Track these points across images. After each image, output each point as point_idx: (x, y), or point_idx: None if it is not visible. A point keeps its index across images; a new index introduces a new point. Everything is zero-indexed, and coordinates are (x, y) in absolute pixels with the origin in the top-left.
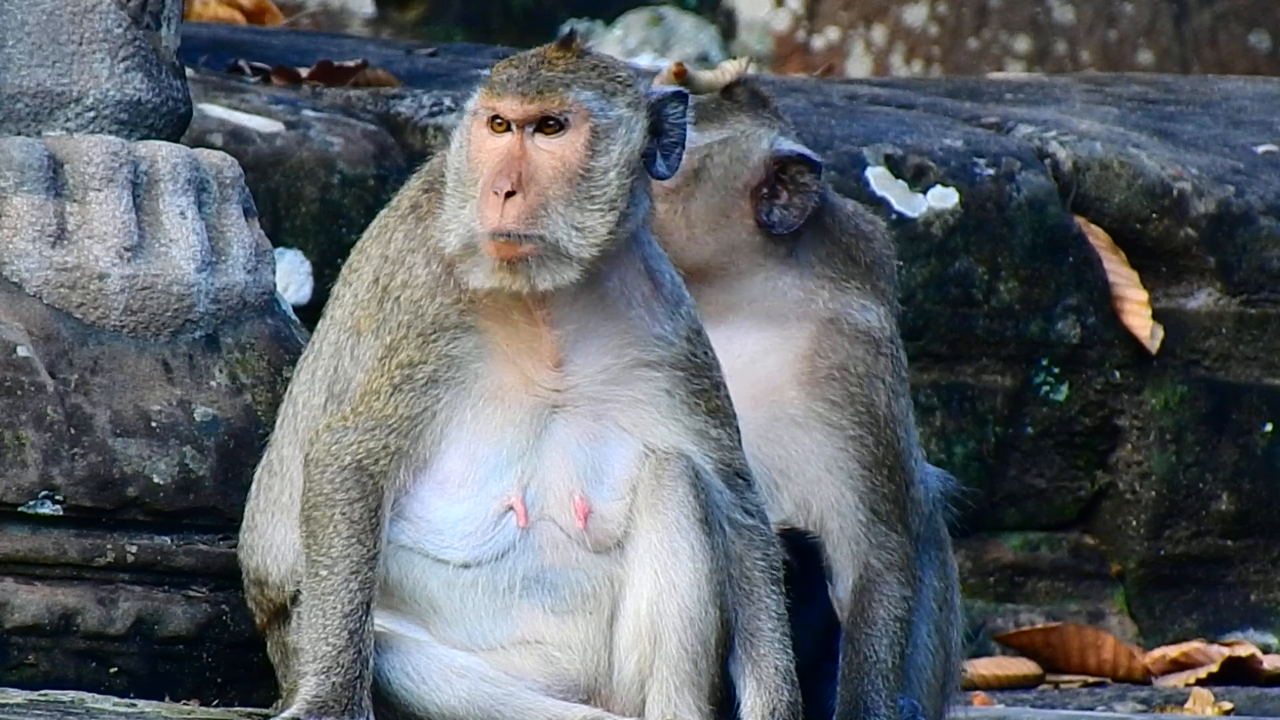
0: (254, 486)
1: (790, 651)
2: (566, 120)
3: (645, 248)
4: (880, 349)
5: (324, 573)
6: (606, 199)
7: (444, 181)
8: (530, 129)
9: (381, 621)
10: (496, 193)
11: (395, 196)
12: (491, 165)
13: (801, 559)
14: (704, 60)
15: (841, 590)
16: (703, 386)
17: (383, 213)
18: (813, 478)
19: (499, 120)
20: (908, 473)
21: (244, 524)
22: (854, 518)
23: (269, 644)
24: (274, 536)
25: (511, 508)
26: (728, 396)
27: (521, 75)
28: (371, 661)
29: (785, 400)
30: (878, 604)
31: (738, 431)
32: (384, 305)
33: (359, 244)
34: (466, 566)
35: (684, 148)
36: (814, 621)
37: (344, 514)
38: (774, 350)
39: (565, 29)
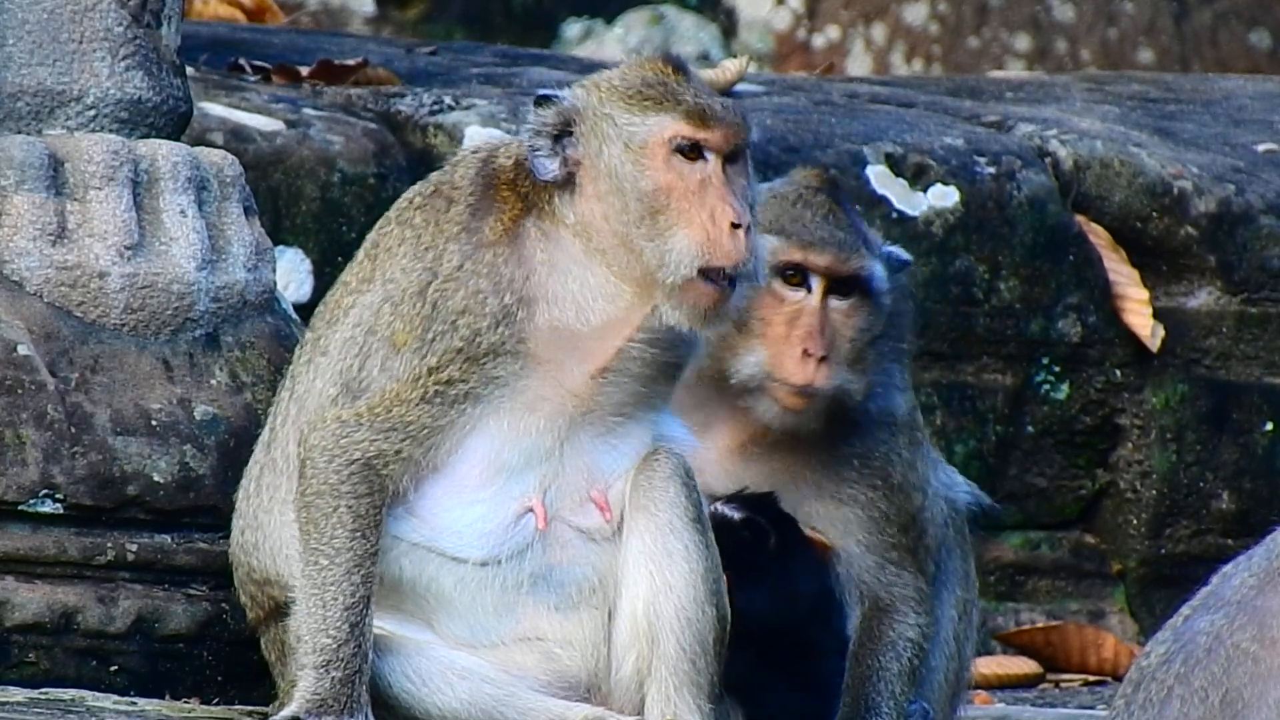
0: (250, 484)
1: None
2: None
3: None
4: (898, 427)
5: (325, 563)
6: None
7: (494, 203)
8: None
9: (383, 623)
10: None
11: (421, 213)
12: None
13: (772, 520)
14: (705, 59)
15: (850, 627)
16: None
17: (406, 230)
18: (819, 531)
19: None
20: (920, 524)
21: (241, 522)
22: (860, 564)
23: (264, 641)
24: (282, 536)
25: (531, 509)
26: None
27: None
28: (371, 656)
29: (802, 481)
30: (886, 626)
31: None
32: (432, 324)
33: (380, 249)
34: (484, 565)
35: None
36: (807, 585)
37: (349, 507)
38: (798, 437)
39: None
